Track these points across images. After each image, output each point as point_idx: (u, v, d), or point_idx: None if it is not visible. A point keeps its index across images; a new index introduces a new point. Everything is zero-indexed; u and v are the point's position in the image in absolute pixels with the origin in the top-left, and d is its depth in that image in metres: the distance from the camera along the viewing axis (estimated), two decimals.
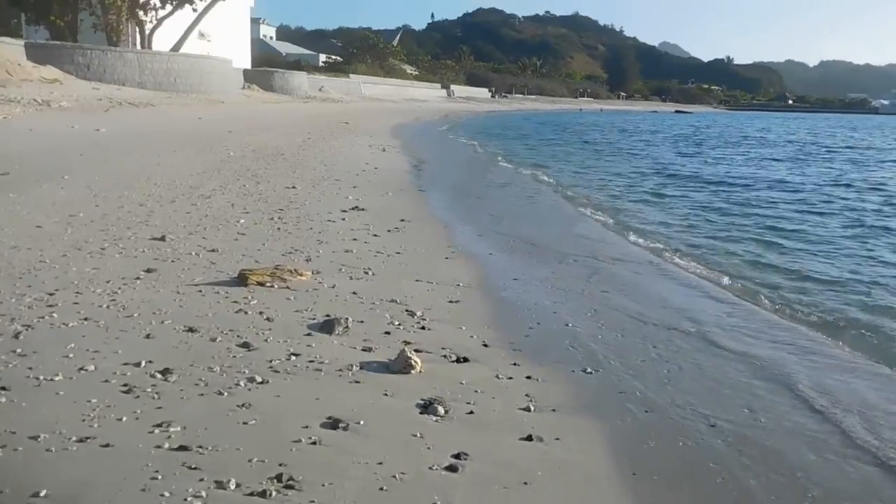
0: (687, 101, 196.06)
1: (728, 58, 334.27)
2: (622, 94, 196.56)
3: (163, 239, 6.89)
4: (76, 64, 33.59)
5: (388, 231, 8.63)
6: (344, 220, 9.08)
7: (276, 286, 5.64)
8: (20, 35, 38.49)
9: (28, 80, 28.20)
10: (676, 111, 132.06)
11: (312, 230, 8.15)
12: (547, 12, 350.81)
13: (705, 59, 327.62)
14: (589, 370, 4.59)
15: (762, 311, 6.52)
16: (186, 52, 41.79)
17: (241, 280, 5.62)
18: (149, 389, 3.50)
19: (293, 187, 11.58)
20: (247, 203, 9.60)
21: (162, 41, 42.08)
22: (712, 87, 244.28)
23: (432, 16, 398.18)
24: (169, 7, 42.15)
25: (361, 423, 3.42)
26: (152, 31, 41.92)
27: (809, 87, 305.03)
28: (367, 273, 6.45)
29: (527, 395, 4.04)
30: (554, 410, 3.89)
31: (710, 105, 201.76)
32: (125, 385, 3.52)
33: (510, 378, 4.28)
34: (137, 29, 41.81)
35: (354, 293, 5.76)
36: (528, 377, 4.33)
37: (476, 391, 4.01)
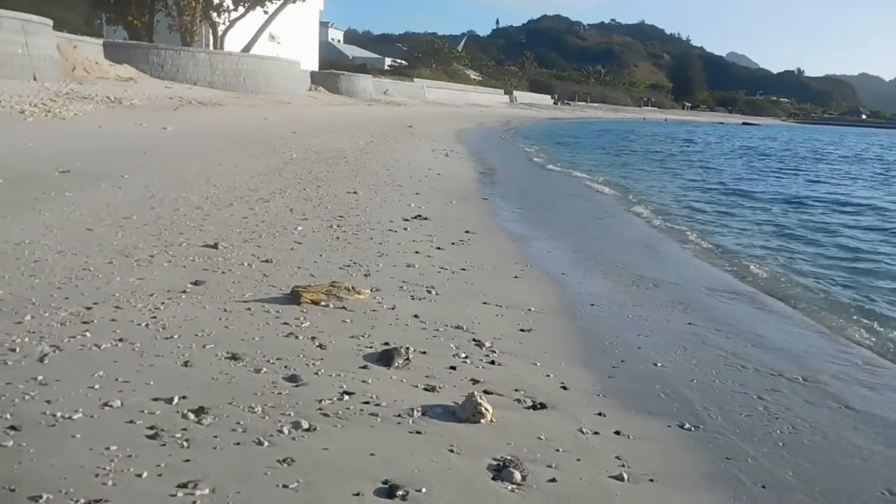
0: (754, 112, 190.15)
1: (799, 70, 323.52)
2: (687, 104, 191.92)
3: (215, 246, 6.49)
4: (151, 63, 34.32)
5: (453, 244, 8.07)
6: (406, 229, 8.57)
7: (331, 305, 5.14)
8: (101, 35, 39.65)
9: (104, 77, 28.86)
10: (744, 123, 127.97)
11: (373, 240, 7.66)
12: (612, 20, 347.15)
13: (775, 71, 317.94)
14: (687, 426, 3.90)
15: (885, 362, 5.65)
16: (256, 54, 42.32)
17: (295, 297, 5.14)
18: (178, 435, 3.00)
19: (354, 192, 11.16)
20: (306, 208, 9.19)
21: (234, 42, 42.76)
22: (781, 100, 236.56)
23: (497, 22, 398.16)
24: (241, 9, 42.83)
25: (423, 490, 2.85)
26: (224, 32, 42.65)
27: (885, 102, 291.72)
28: (430, 292, 5.89)
29: (617, 458, 3.39)
30: (651, 480, 3.24)
31: (778, 118, 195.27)
32: (152, 428, 3.03)
33: (596, 433, 3.64)
34: (210, 30, 42.60)
35: (416, 316, 5.21)
36: (617, 432, 3.69)
37: (557, 450, 3.39)
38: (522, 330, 5.27)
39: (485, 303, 5.82)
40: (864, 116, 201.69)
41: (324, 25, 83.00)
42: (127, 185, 9.35)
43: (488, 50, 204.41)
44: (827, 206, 17.02)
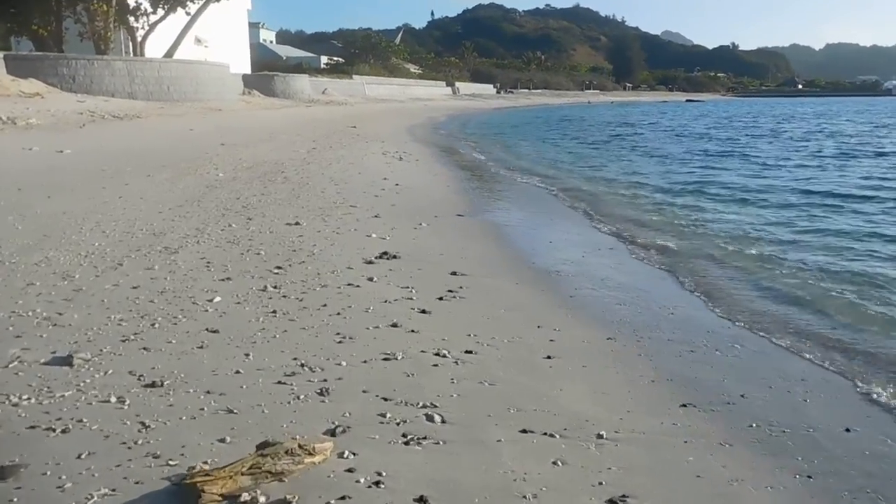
0: (694, 89, 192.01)
1: (733, 44, 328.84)
2: (628, 84, 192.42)
3: (69, 362, 3.97)
4: (60, 76, 30.78)
5: (441, 299, 5.70)
6: (372, 279, 6.15)
7: (258, 493, 2.71)
8: (8, 48, 35.80)
9: (5, 94, 25.42)
10: (688, 100, 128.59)
11: (327, 308, 5.24)
12: (547, 5, 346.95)
13: (710, 47, 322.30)
14: None
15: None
16: (180, 59, 38.97)
17: (192, 493, 2.69)
18: None
19: (296, 223, 8.66)
20: (229, 258, 6.67)
21: (155, 48, 39.27)
22: (719, 75, 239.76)
23: (432, 14, 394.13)
24: (161, 11, 39.35)
25: None
26: (144, 37, 39.12)
27: (816, 71, 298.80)
28: (431, 420, 3.51)
29: None
30: None
31: (718, 93, 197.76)
32: None
33: None
34: (129, 36, 39.06)
35: (422, 501, 2.81)
36: None
37: None
38: (612, 501, 2.93)
39: (525, 430, 3.46)
40: (800, 86, 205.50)
41: (254, 26, 79.10)
42: None
43: (425, 42, 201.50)
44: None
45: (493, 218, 10.38)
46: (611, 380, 4.22)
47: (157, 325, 4.68)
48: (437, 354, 4.35)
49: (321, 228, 8.50)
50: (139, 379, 3.74)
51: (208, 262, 6.48)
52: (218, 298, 5.33)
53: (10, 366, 3.90)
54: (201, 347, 4.29)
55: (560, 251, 8.21)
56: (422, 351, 4.40)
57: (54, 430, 3.15)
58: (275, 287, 5.74)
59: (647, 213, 11.40)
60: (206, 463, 2.85)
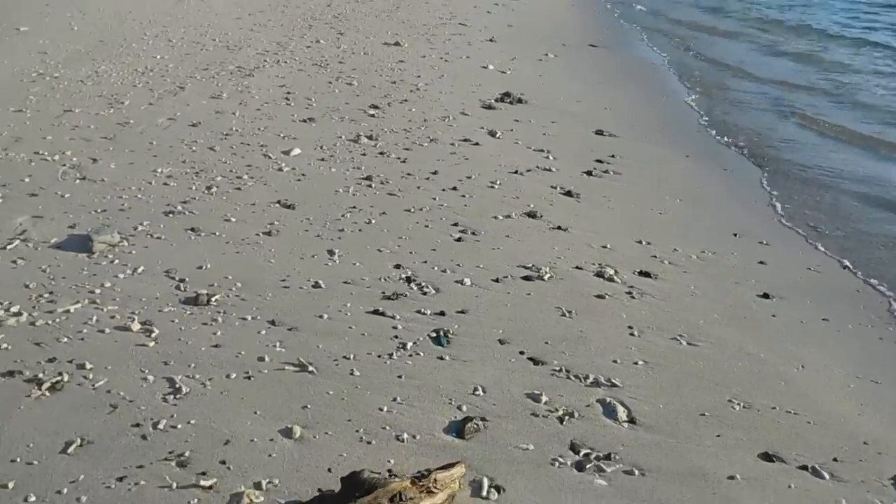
0: None
1: None
2: None
3: (88, 248, 2.82)
4: None
5: (588, 174, 4.24)
6: (494, 134, 4.70)
7: None
8: None
9: None
10: None
11: (439, 186, 3.89)
12: None
13: None
14: None
15: None
16: None
17: None
18: None
19: (396, 44, 7.10)
20: (314, 89, 5.30)
21: None
22: None
23: None
24: None
25: None
26: None
27: None
28: (612, 419, 2.19)
29: None
30: None
31: None
32: None
33: None
34: None
35: None
36: None
37: None
38: None
39: (768, 457, 2.09)
40: None
41: None
42: None
43: None
44: None
45: (638, 52, 8.45)
46: (879, 351, 2.77)
47: (214, 190, 3.45)
48: (601, 276, 2.99)
49: (426, 53, 6.92)
50: (178, 288, 2.58)
51: (289, 93, 5.12)
52: (297, 151, 4.03)
53: (9, 247, 2.79)
54: (269, 234, 3.06)
55: (741, 108, 6.39)
56: (577, 267, 3.05)
57: (39, 385, 2.05)
58: (370, 137, 4.38)
59: None
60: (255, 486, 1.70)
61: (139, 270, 2.69)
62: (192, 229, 3.05)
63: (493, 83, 6.07)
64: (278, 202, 3.39)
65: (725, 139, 5.36)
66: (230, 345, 2.28)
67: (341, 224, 3.23)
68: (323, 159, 3.99)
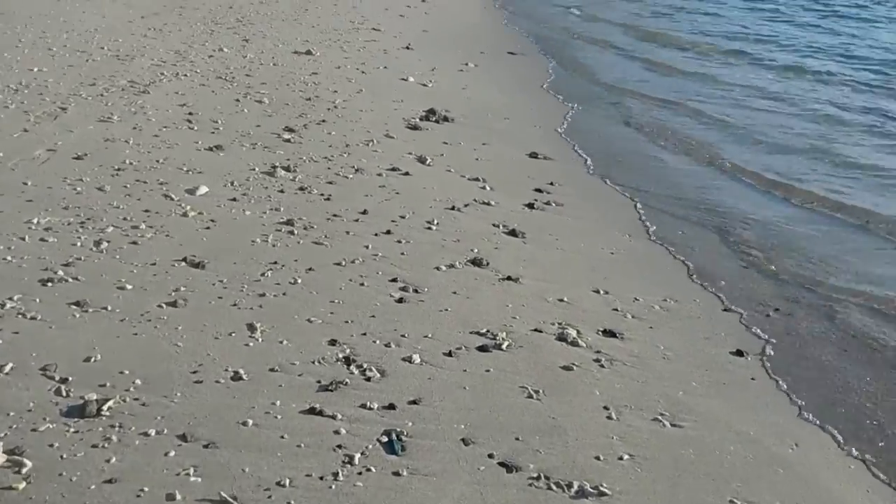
0: None
1: None
2: None
3: None
4: None
5: (530, 207, 3.92)
6: (425, 161, 4.31)
7: None
8: None
9: None
10: None
11: (371, 230, 3.47)
12: None
13: None
14: None
15: None
16: None
17: None
18: None
19: (308, 52, 6.58)
20: (220, 108, 4.75)
21: None
22: None
23: None
24: None
25: None
26: None
27: None
28: None
29: None
30: None
31: None
32: None
33: None
34: None
35: None
36: None
37: None
38: None
39: None
40: None
41: None
42: None
43: None
44: None
45: (559, 58, 8.23)
46: (872, 423, 2.56)
47: (104, 246, 2.90)
48: (563, 339, 2.65)
49: (340, 63, 6.43)
50: (58, 392, 2.05)
51: (191, 113, 4.55)
52: (204, 189, 3.51)
53: None
54: (174, 305, 2.55)
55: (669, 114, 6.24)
56: (535, 329, 2.70)
57: None
58: (287, 168, 3.89)
59: None
60: None
61: (6, 370, 2.14)
62: (77, 303, 2.50)
63: (415, 98, 5.67)
64: (184, 259, 2.87)
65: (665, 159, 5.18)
66: (129, 477, 1.79)
67: (262, 286, 2.76)
68: (235, 199, 3.48)
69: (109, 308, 2.50)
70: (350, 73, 6.13)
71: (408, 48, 7.46)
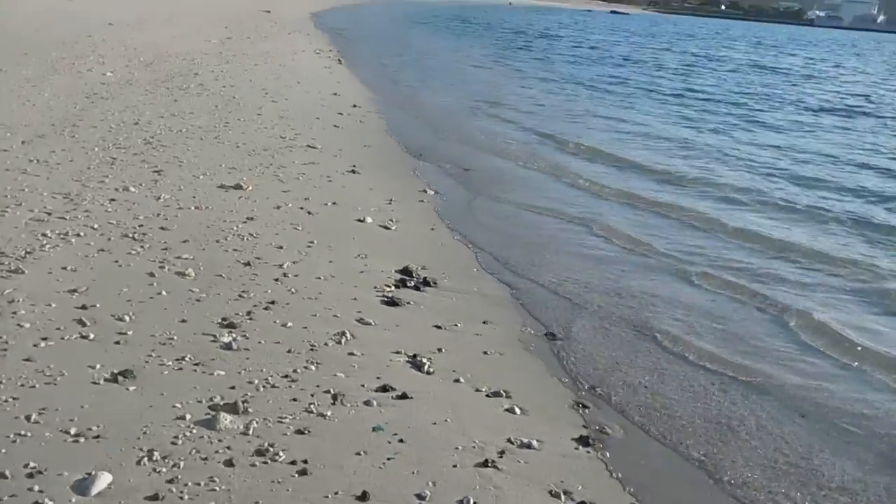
0: (616, 0, 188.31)
1: None
2: None
3: None
4: None
5: (588, 444, 2.77)
6: (423, 368, 3.13)
7: None
8: None
9: None
10: (612, 11, 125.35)
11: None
12: None
13: None
14: None
15: None
16: None
17: None
18: None
19: (237, 186, 5.35)
20: (128, 294, 3.42)
21: None
22: None
23: None
24: None
25: None
26: None
27: None
28: None
29: None
30: None
31: (639, 6, 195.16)
32: None
33: None
34: None
35: None
36: None
37: None
38: None
39: None
40: (722, 7, 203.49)
41: None
42: None
43: None
44: None
45: (526, 196, 7.30)
46: None
47: None
48: None
49: (279, 200, 5.23)
50: None
51: (84, 307, 3.20)
52: (106, 479, 2.16)
53: None
54: None
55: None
56: None
57: None
58: (233, 408, 2.60)
59: None
60: None
61: None
62: None
63: (380, 250, 4.54)
64: None
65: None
66: None
67: None
68: (156, 497, 2.16)
69: None
70: (294, 216, 4.94)
71: (353, 171, 6.37)
